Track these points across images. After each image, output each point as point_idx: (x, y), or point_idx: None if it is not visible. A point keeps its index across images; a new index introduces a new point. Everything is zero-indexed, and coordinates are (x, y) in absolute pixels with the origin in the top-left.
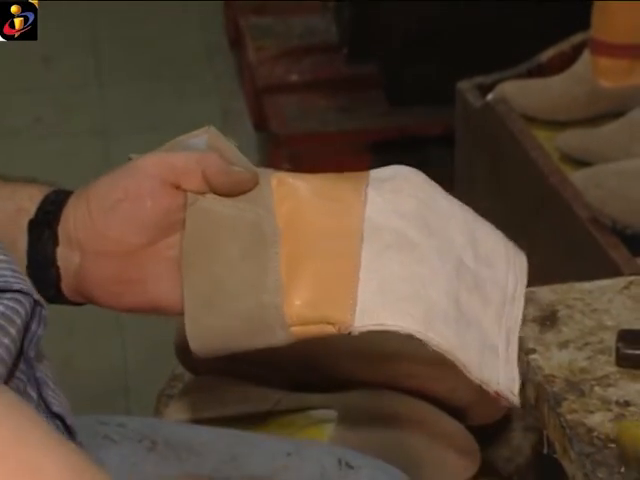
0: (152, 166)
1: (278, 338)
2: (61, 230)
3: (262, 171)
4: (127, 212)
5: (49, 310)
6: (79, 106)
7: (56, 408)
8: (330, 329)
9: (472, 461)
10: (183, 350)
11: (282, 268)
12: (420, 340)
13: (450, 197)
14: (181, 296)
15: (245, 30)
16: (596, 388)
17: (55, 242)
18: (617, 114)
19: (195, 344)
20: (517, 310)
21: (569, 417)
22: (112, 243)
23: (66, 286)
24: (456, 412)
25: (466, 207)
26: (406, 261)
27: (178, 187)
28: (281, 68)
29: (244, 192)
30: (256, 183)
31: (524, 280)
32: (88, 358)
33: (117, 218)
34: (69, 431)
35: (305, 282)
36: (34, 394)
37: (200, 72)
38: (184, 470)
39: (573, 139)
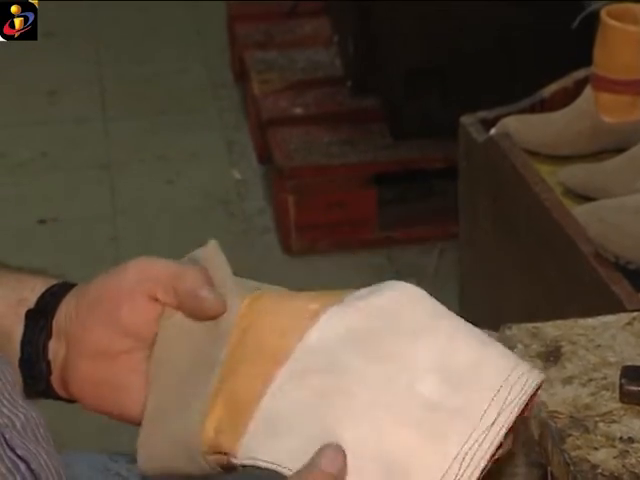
0: (135, 271)
1: (202, 466)
2: (55, 323)
3: (245, 287)
4: (105, 313)
5: None
6: (84, 140)
7: (21, 452)
8: (226, 459)
9: None
10: None
11: (213, 391)
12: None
13: (442, 313)
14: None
15: (250, 64)
16: (600, 424)
17: (48, 334)
18: (620, 149)
19: (140, 461)
20: (488, 442)
21: (573, 453)
22: (91, 343)
23: (54, 380)
24: None
25: (461, 324)
26: (319, 389)
27: (156, 299)
28: (285, 101)
29: (208, 319)
30: (220, 313)
31: (518, 404)
32: None
33: (95, 318)
34: (34, 475)
35: (220, 407)
36: None
37: (205, 105)
38: None
39: (576, 174)
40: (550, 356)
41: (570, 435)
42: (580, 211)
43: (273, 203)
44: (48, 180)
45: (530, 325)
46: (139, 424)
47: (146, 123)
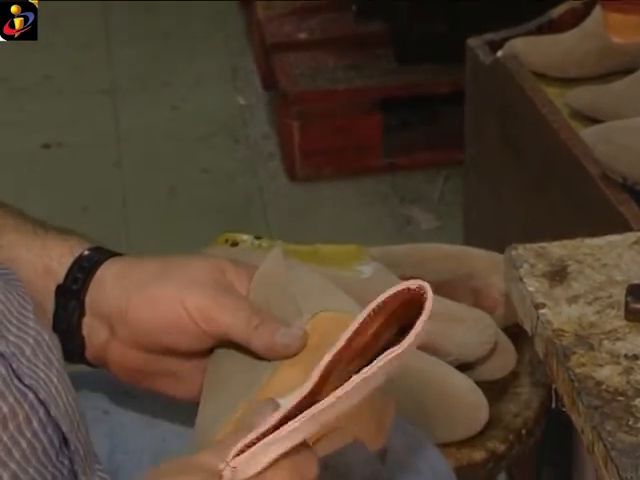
0: (199, 318)
1: None
2: (89, 301)
3: (307, 301)
4: (162, 341)
5: None
6: (88, 65)
7: (28, 381)
8: None
9: (481, 416)
10: None
11: (239, 414)
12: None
13: None
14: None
15: None
16: (605, 342)
17: (81, 313)
18: (628, 71)
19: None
20: None
21: (578, 370)
22: (144, 349)
23: (89, 354)
24: (465, 368)
25: None
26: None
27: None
28: (290, 26)
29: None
30: (302, 347)
31: None
32: None
33: (152, 339)
34: (43, 404)
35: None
36: (2, 367)
37: (209, 31)
38: None
39: (583, 96)
40: (556, 275)
41: (575, 353)
42: (587, 132)
43: (277, 129)
44: (52, 105)
45: (536, 245)
46: (188, 403)
47: (150, 49)
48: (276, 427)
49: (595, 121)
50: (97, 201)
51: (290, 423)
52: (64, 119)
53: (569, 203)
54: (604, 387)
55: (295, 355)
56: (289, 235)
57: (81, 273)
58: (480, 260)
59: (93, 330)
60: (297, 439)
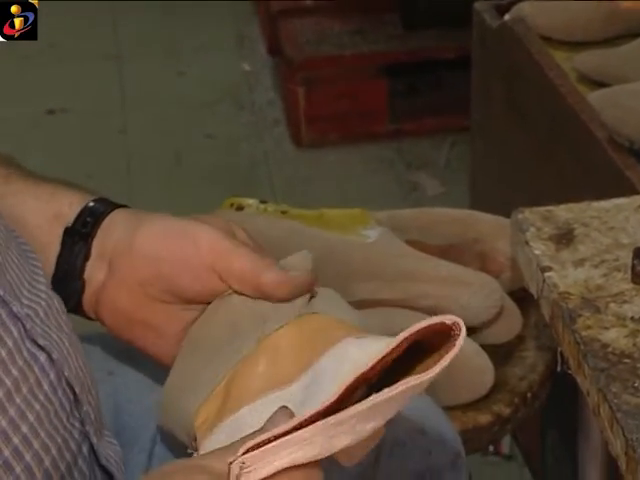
0: (209, 251)
1: (193, 448)
2: (96, 244)
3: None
4: (164, 273)
5: None
6: (93, 31)
7: (42, 341)
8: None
9: (486, 380)
10: None
11: (223, 382)
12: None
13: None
14: (170, 361)
15: None
16: (611, 305)
17: (86, 256)
18: (635, 34)
19: (160, 420)
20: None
21: (584, 333)
22: (136, 285)
23: (86, 300)
24: (471, 332)
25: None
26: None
27: (224, 280)
28: None
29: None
30: (312, 286)
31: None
32: None
33: (153, 271)
34: (54, 365)
35: (216, 400)
36: (14, 329)
37: None
38: None
39: (591, 59)
40: (562, 239)
41: (581, 315)
42: (595, 96)
43: (283, 95)
44: (56, 71)
45: (543, 209)
46: (157, 363)
47: (156, 15)
48: (288, 433)
49: (602, 85)
50: (102, 168)
51: (303, 430)
52: (69, 85)
53: (576, 167)
54: (610, 349)
55: (301, 295)
56: (294, 201)
57: (91, 217)
58: (486, 224)
59: (93, 272)
60: (310, 451)
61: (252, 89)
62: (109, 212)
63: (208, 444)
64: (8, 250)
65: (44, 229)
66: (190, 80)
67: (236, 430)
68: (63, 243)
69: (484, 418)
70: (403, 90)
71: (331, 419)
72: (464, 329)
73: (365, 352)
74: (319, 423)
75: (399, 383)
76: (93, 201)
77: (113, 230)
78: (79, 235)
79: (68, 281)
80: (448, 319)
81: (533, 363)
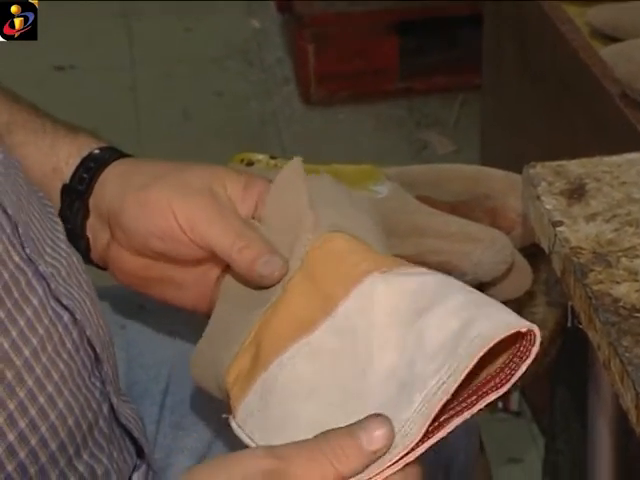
0: (188, 230)
1: (228, 411)
2: (93, 202)
3: (323, 218)
4: (156, 245)
5: None
6: None
7: (66, 301)
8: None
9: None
10: None
11: (252, 335)
12: None
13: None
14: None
15: None
16: (623, 259)
17: (85, 214)
18: None
19: (193, 373)
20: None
21: (595, 288)
22: (137, 250)
23: (94, 256)
24: (480, 288)
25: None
26: (310, 369)
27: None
28: None
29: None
30: (278, 280)
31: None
32: None
33: (144, 242)
34: (77, 325)
35: (247, 356)
36: (39, 288)
37: None
38: None
39: (604, 13)
40: (574, 193)
41: (592, 270)
42: (607, 51)
43: (292, 52)
44: (65, 28)
45: (554, 163)
46: (185, 311)
47: None
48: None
49: (616, 39)
50: (110, 124)
51: (410, 454)
52: (77, 42)
53: (588, 123)
54: (621, 304)
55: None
56: (303, 158)
57: (87, 173)
58: (497, 180)
59: (97, 231)
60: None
61: (261, 47)
62: (105, 166)
63: (243, 410)
64: (30, 206)
65: (45, 183)
66: (199, 37)
67: (267, 391)
68: (62, 201)
69: None
70: (414, 48)
71: (433, 440)
72: (539, 335)
73: (392, 288)
74: (428, 442)
75: (481, 401)
76: (91, 153)
77: (106, 190)
78: (76, 193)
79: (73, 239)
80: (522, 327)
81: (543, 319)
